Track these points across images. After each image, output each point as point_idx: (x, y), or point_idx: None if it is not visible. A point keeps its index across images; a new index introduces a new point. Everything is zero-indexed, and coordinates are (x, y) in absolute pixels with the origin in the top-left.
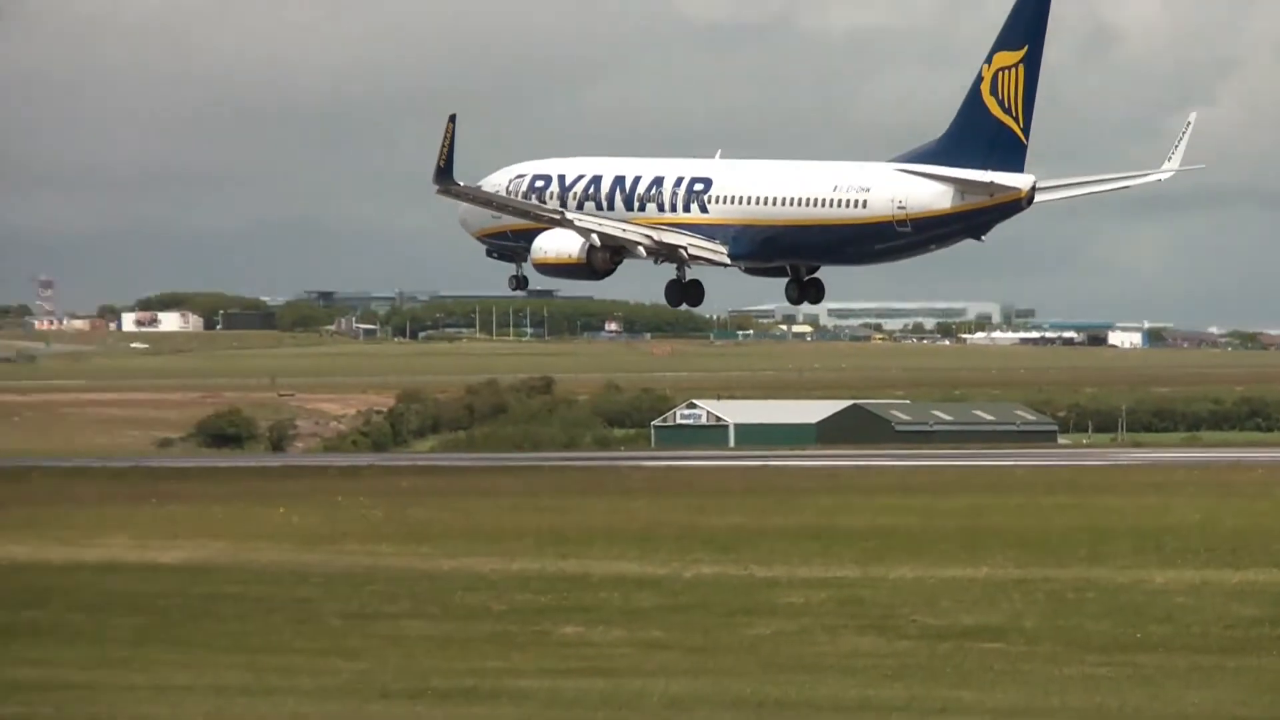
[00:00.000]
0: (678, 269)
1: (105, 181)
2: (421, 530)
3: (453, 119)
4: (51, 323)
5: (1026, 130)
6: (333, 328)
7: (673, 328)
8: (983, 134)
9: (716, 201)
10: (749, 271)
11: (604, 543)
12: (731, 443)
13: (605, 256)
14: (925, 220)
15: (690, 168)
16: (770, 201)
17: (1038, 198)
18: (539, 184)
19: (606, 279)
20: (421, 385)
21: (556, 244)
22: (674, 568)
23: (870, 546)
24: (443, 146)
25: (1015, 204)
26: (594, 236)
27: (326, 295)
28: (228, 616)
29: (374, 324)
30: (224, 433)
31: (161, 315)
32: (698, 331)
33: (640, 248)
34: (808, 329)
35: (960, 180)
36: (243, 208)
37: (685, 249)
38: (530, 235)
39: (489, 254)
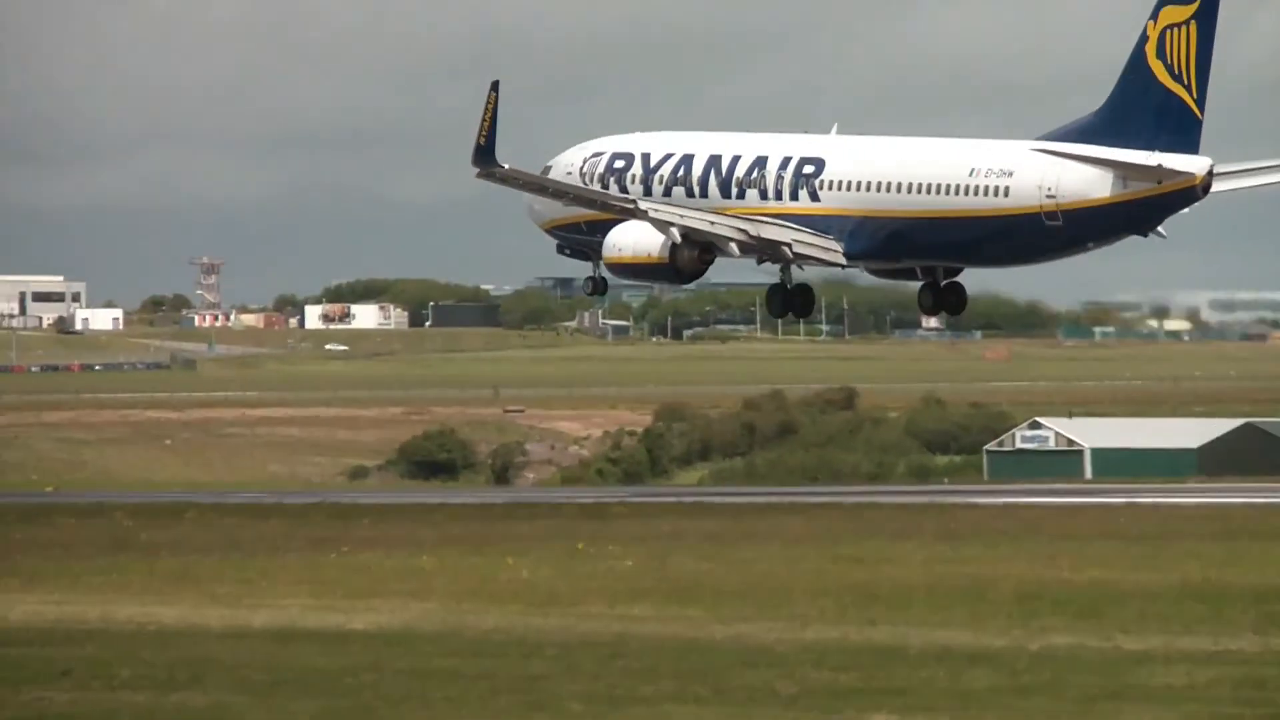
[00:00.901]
0: (782, 271)
1: (284, 140)
2: (687, 587)
3: (495, 87)
4: (215, 318)
5: (1201, 102)
6: (573, 324)
7: (1010, 324)
8: (1148, 106)
9: (830, 187)
10: (873, 274)
11: (924, 604)
12: (1088, 473)
13: (693, 255)
14: (1079, 212)
15: (799, 145)
16: (895, 188)
17: (1215, 185)
18: (618, 164)
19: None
20: (687, 398)
21: (634, 239)
22: (1016, 637)
23: (1274, 610)
24: (484, 120)
25: (1188, 192)
26: (674, 231)
27: (565, 283)
28: (438, 699)
29: (626, 319)
30: (434, 459)
31: (355, 308)
32: (1042, 329)
33: (733, 244)
34: (1185, 325)
35: (1121, 164)
36: (457, 173)
37: (789, 246)
38: (608, 227)
39: (560, 250)
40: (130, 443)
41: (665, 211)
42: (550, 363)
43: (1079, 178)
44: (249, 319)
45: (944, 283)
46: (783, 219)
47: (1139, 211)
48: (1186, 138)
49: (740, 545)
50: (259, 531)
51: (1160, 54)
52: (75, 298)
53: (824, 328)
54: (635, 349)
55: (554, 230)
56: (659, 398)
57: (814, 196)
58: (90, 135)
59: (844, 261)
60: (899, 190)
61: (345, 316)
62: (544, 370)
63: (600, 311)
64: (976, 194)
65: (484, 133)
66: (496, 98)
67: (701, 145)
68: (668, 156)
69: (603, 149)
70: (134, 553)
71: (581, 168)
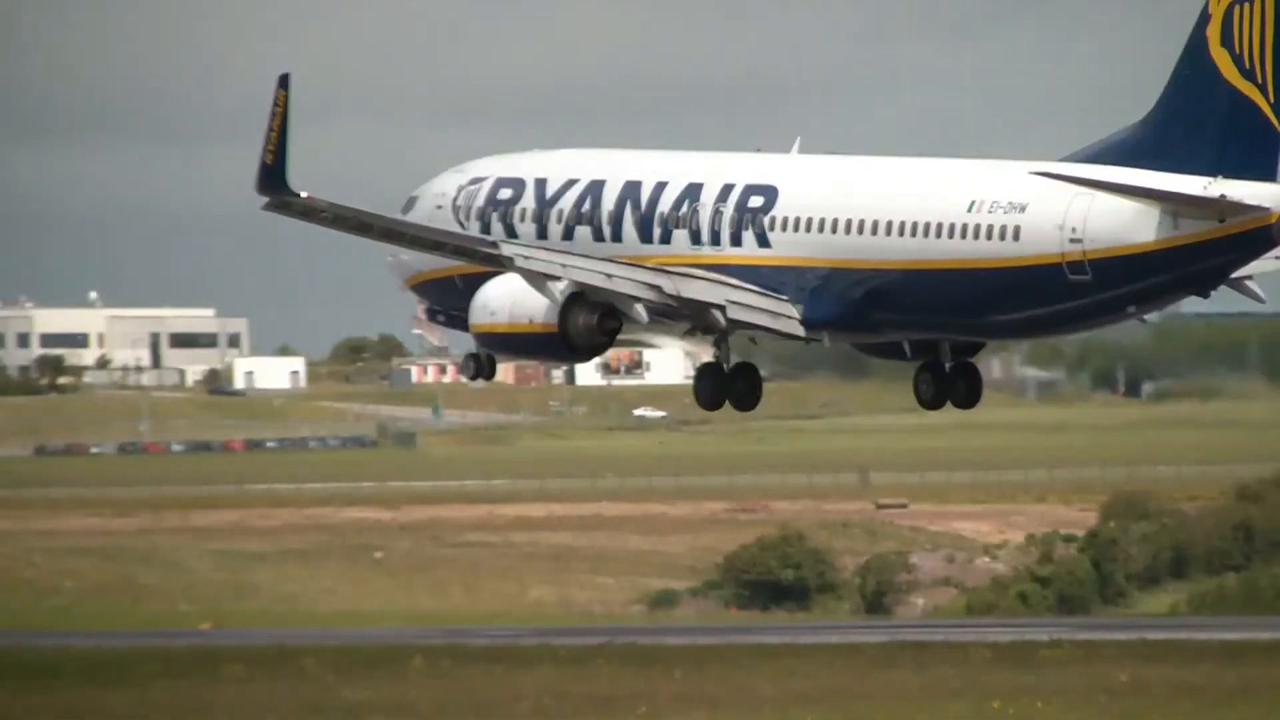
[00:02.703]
0: (716, 345)
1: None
2: None
3: (283, 83)
4: (442, 369)
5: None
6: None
7: None
8: (1209, 114)
9: (783, 227)
10: (856, 348)
11: None
12: None
13: (590, 321)
14: (1113, 262)
15: (746, 169)
16: (871, 228)
17: None
18: (504, 194)
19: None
20: (1151, 485)
21: (511, 300)
22: None
23: None
24: (271, 129)
25: (1260, 235)
26: (554, 288)
27: None
28: None
29: (1054, 368)
30: (774, 579)
31: (649, 353)
32: None
33: (638, 306)
34: None
35: (1169, 194)
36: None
37: (722, 309)
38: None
39: (431, 316)
40: (322, 557)
41: (540, 259)
42: (944, 432)
43: (1112, 214)
44: None
45: (950, 364)
46: (720, 271)
47: (1194, 261)
48: (1262, 158)
49: (1236, 706)
50: (516, 687)
51: (1226, 41)
52: (233, 341)
53: None
54: (1071, 411)
55: (420, 288)
56: (1109, 484)
57: (762, 240)
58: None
59: (800, 331)
60: (876, 231)
61: (637, 366)
62: (935, 444)
63: (1015, 358)
64: (978, 236)
65: (271, 147)
66: (287, 97)
67: (616, 168)
68: (569, 184)
69: (485, 173)
70: (334, 719)
71: (455, 199)
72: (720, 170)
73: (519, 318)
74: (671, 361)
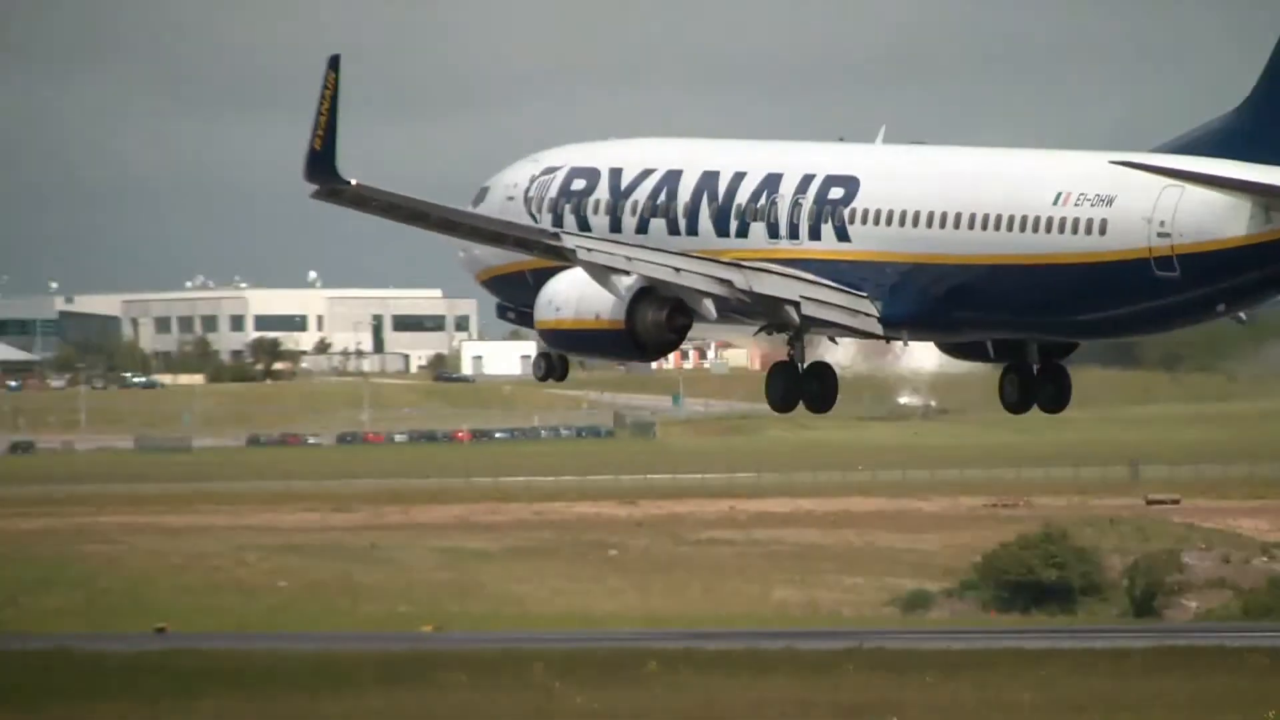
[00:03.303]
0: (790, 343)
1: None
2: None
3: (334, 65)
4: (684, 355)
5: None
6: (1249, 361)
7: None
8: None
9: (863, 220)
10: (947, 350)
11: None
12: None
13: (659, 318)
14: (1203, 258)
15: (828, 159)
16: (955, 221)
17: None
18: (577, 185)
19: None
20: None
21: (577, 294)
22: None
23: None
24: (320, 114)
25: None
26: (618, 282)
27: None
28: None
29: None
30: (1035, 580)
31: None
32: None
33: (707, 301)
34: None
35: (1263, 186)
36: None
37: (796, 305)
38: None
39: (501, 313)
40: (551, 555)
41: (603, 251)
42: (1220, 423)
43: (1202, 207)
44: (735, 355)
45: (1039, 366)
46: (797, 266)
47: None
48: None
49: None
50: (760, 693)
51: None
52: (460, 324)
53: None
54: None
55: (491, 283)
56: None
57: (841, 234)
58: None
59: (879, 329)
60: (959, 224)
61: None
62: (1210, 435)
63: None
64: (1064, 230)
65: (320, 133)
66: (337, 80)
67: (694, 157)
68: (645, 174)
69: (559, 163)
70: None
71: (528, 190)
72: (801, 160)
73: (585, 314)
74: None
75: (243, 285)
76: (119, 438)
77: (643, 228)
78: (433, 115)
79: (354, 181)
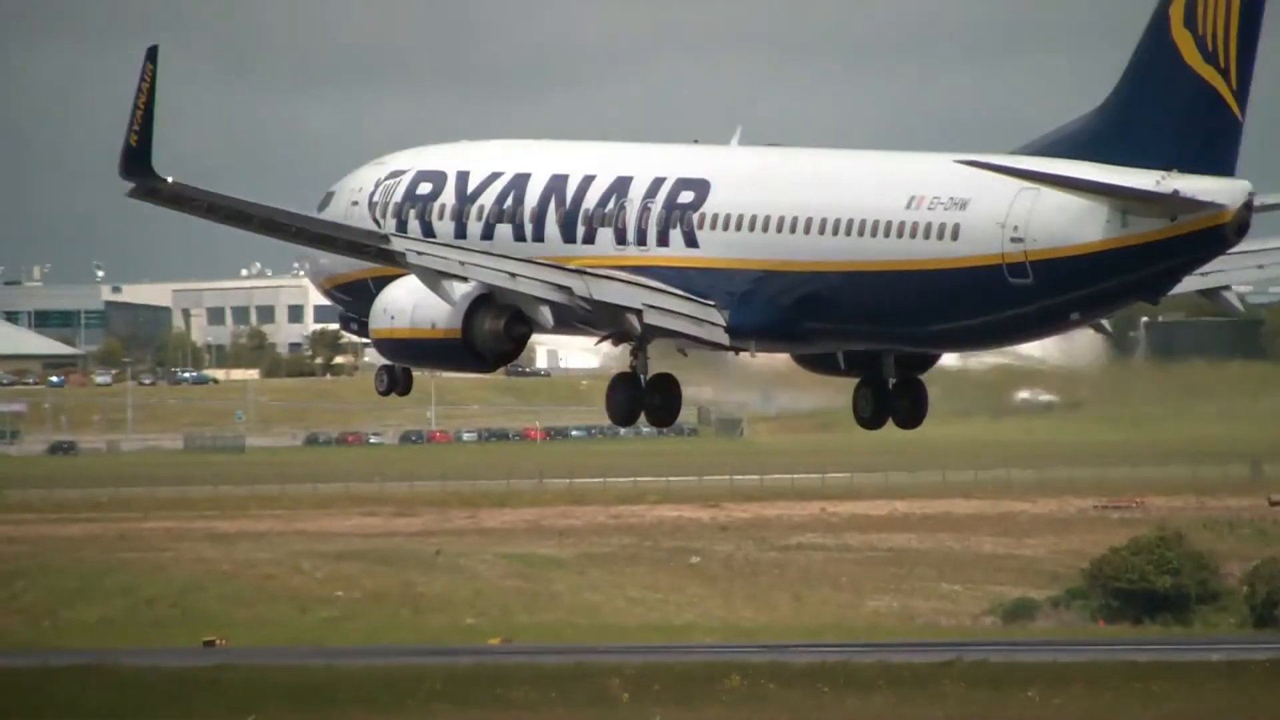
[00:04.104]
0: (633, 353)
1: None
2: None
3: (151, 56)
4: None
5: (1243, 97)
6: None
7: None
8: (1169, 101)
9: (712, 225)
10: (798, 361)
11: None
12: None
13: (496, 326)
14: (1058, 264)
15: (680, 161)
16: (805, 226)
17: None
18: (423, 189)
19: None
20: None
21: (412, 301)
22: None
23: None
24: (136, 107)
25: (1213, 234)
26: (448, 288)
27: None
28: None
29: None
30: (1148, 587)
31: None
32: None
33: (544, 308)
34: None
35: (1117, 189)
36: None
37: (637, 313)
38: None
39: (344, 324)
40: (629, 562)
41: (435, 255)
42: None
43: (1057, 211)
44: None
45: (895, 380)
46: (645, 274)
47: (1143, 263)
48: (1219, 150)
49: None
50: (851, 710)
51: (1189, 22)
52: None
53: None
54: None
55: (333, 292)
56: None
57: (690, 239)
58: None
59: (725, 339)
60: (809, 229)
61: None
62: None
63: None
64: (916, 235)
65: (137, 128)
66: (154, 72)
67: (543, 160)
68: (493, 177)
69: (406, 166)
70: None
71: (373, 195)
72: (654, 161)
73: (420, 323)
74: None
75: (301, 274)
76: (167, 437)
77: (488, 233)
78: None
79: (170, 179)
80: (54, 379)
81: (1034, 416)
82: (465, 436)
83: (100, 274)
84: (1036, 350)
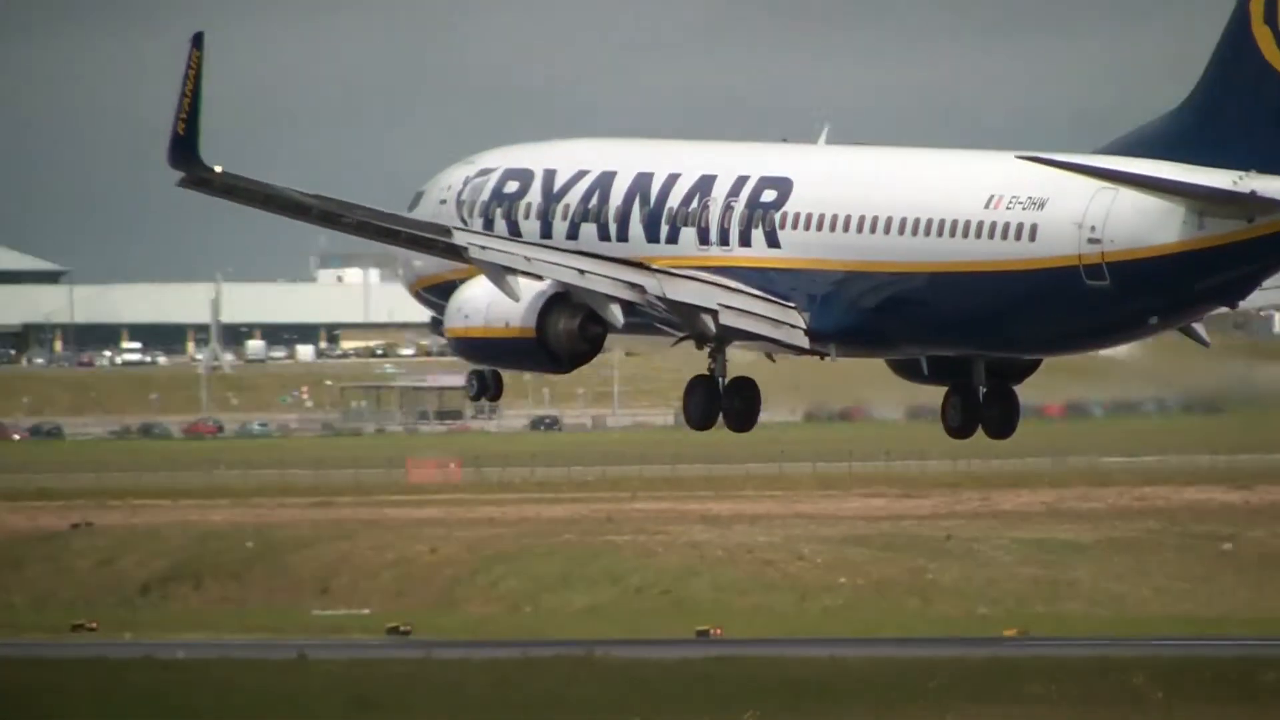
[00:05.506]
0: (710, 357)
1: None
2: None
3: (197, 42)
4: None
5: None
6: None
7: None
8: (1248, 100)
9: (793, 225)
10: (893, 368)
11: None
12: None
13: (571, 326)
14: (1135, 267)
15: (764, 160)
16: (887, 227)
17: None
18: (510, 187)
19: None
20: None
21: (486, 301)
22: None
23: None
24: (183, 96)
25: None
26: (517, 285)
27: None
28: None
29: None
30: None
31: None
32: None
33: (614, 306)
34: None
35: (1192, 188)
36: None
37: (713, 314)
38: None
39: (433, 326)
40: (1155, 548)
41: (499, 250)
42: None
43: (1134, 212)
44: None
45: (985, 388)
46: (727, 274)
47: (1221, 265)
48: None
49: None
50: None
51: (1270, 17)
52: None
53: None
54: None
55: (422, 293)
56: None
57: (771, 239)
58: None
59: (804, 342)
60: (889, 229)
61: None
62: None
63: None
64: (994, 235)
65: (184, 116)
66: (200, 59)
67: (629, 159)
68: (579, 175)
69: (494, 164)
70: None
71: (460, 193)
72: (738, 160)
73: (494, 321)
74: None
75: None
76: (657, 412)
77: (573, 233)
78: None
79: (219, 169)
80: None
81: None
82: None
83: None
84: None
